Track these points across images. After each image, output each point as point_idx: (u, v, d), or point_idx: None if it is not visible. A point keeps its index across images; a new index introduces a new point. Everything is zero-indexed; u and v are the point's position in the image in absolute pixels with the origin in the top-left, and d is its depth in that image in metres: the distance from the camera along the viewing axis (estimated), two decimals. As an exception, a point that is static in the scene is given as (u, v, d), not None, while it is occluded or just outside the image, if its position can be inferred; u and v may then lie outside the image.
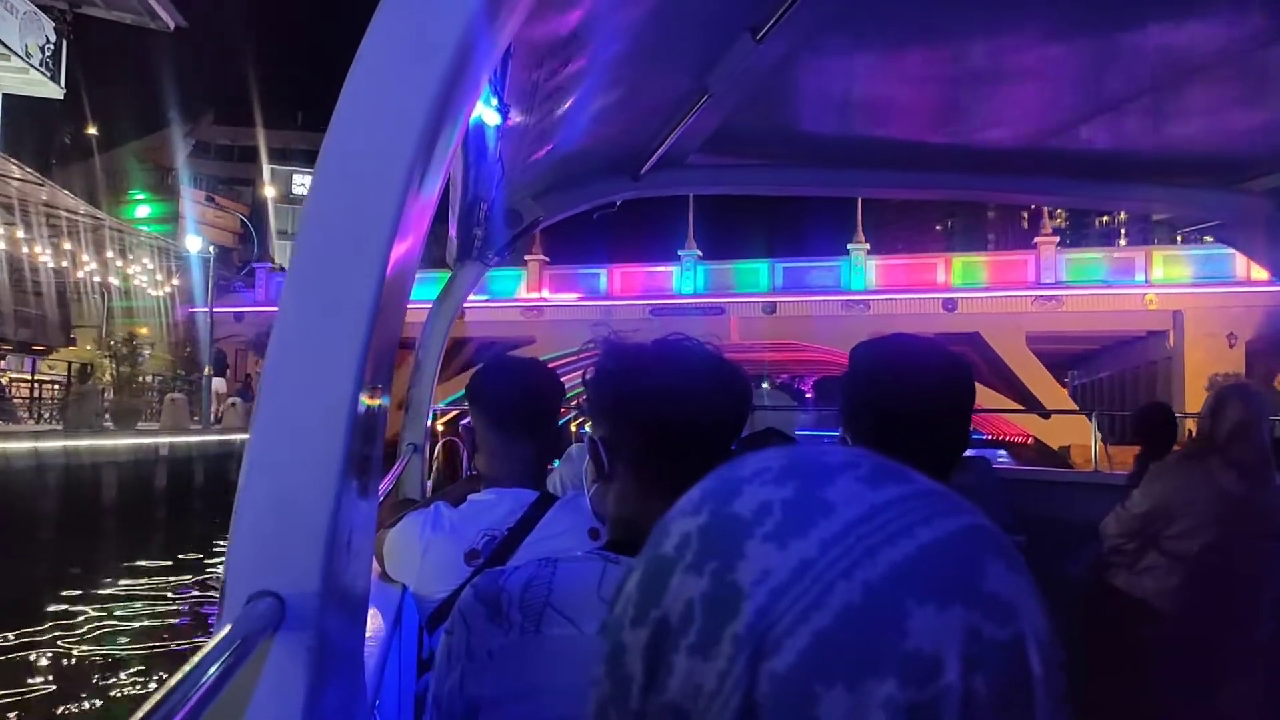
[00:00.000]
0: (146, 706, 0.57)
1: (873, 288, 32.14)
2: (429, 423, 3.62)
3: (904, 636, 0.37)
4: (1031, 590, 0.41)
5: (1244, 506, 2.94)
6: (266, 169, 48.63)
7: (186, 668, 0.63)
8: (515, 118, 2.21)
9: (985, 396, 27.23)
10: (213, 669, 0.64)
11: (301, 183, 48.83)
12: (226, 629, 0.72)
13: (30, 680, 8.79)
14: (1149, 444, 3.83)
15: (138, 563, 14.23)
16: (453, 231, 3.19)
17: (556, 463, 2.51)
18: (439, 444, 3.64)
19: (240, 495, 0.83)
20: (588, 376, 1.15)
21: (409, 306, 1.08)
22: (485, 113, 1.95)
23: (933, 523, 0.40)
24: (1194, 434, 3.44)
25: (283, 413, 0.85)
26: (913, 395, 1.39)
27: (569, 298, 34.04)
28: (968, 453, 1.50)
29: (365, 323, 0.84)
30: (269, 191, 47.70)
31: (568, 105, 2.43)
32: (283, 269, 40.06)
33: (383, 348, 0.92)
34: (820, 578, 0.38)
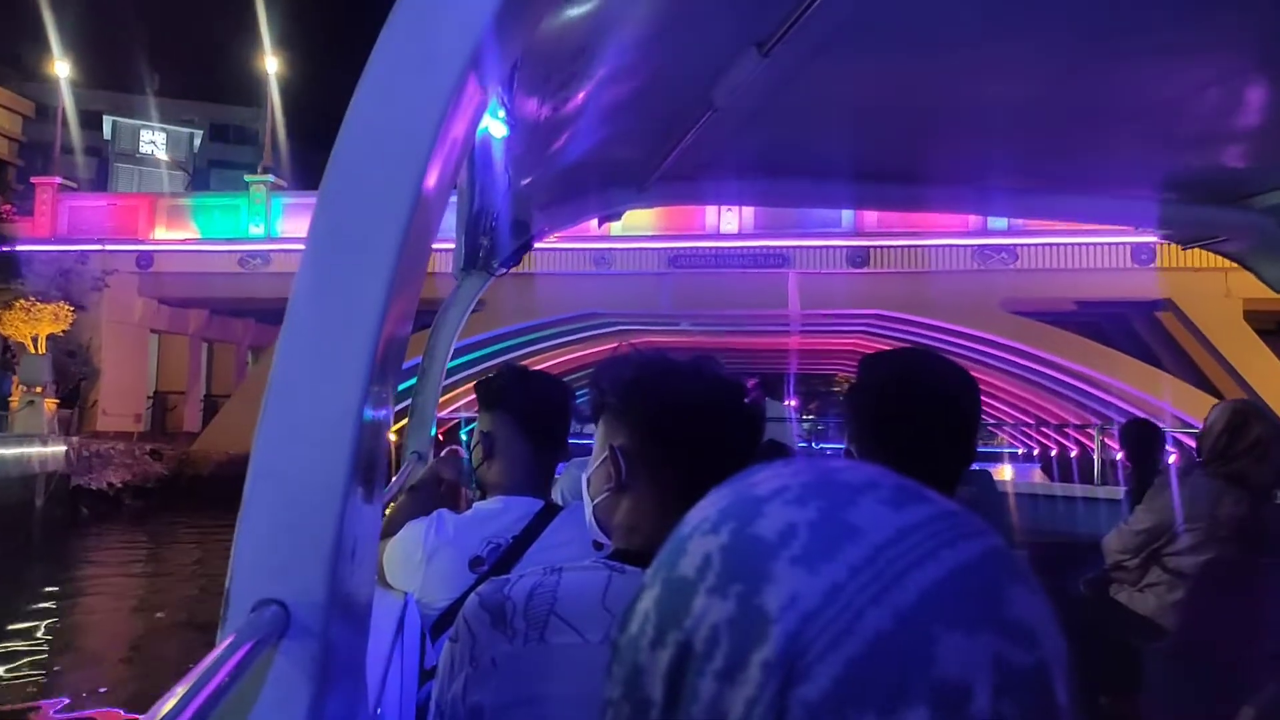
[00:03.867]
0: (151, 714, 0.57)
1: (1019, 227, 19.66)
2: (433, 431, 3.62)
3: (935, 663, 0.37)
4: (1050, 613, 0.41)
5: (1248, 522, 2.93)
6: (56, 45, 29.60)
7: (191, 675, 0.63)
8: (522, 131, 2.22)
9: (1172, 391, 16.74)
10: (217, 676, 0.64)
11: (150, 139, 37.29)
12: (231, 637, 0.72)
13: None
14: (1136, 460, 3.83)
15: None
16: (458, 240, 3.20)
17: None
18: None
19: (246, 503, 0.83)
20: (608, 383, 1.14)
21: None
22: (492, 125, 1.96)
23: (957, 546, 0.40)
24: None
25: (289, 420, 0.85)
26: (920, 408, 1.40)
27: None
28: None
29: (372, 332, 0.85)
30: (61, 69, 29.33)
31: (574, 119, 2.44)
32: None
33: (390, 357, 0.93)
34: (851, 603, 0.38)
